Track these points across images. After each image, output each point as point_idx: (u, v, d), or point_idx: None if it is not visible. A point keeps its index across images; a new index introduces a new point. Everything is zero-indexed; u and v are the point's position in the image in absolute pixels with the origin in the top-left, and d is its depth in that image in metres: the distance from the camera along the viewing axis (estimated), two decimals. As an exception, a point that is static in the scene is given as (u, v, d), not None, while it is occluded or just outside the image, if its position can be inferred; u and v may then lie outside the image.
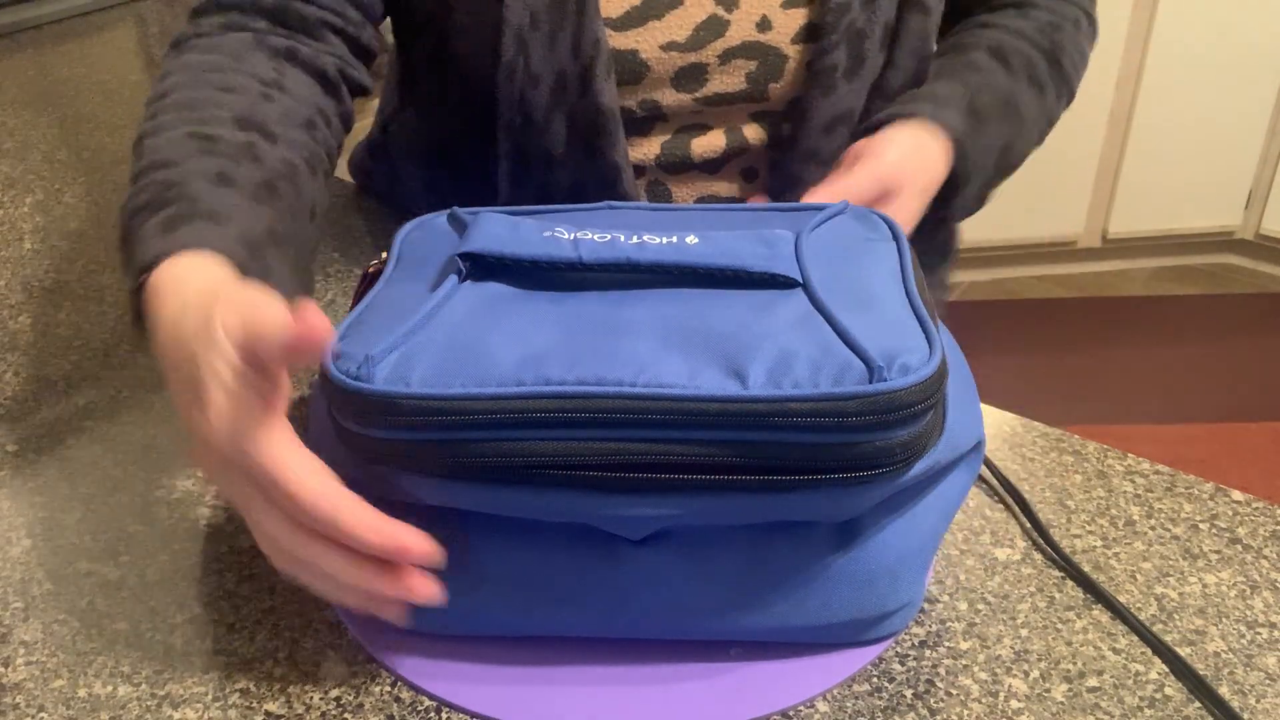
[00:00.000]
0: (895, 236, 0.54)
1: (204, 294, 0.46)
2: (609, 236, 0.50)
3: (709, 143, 0.75)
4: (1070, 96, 0.83)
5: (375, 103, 0.98)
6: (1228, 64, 2.40)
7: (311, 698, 0.49)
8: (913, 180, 0.68)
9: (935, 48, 0.80)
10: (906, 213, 0.69)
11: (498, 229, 0.51)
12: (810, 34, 0.72)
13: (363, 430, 0.44)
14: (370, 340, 0.46)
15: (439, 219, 0.58)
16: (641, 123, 0.74)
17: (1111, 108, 2.47)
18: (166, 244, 0.51)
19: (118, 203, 0.95)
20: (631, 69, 0.71)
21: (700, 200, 0.76)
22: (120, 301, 0.81)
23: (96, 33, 1.41)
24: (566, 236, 0.50)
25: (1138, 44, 2.40)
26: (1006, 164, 0.77)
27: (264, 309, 0.42)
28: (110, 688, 0.50)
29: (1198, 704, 0.49)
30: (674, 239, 0.50)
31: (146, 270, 0.50)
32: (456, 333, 0.46)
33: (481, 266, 0.51)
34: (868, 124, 0.74)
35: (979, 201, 0.78)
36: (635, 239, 0.50)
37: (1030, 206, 2.53)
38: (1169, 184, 2.55)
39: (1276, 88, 2.43)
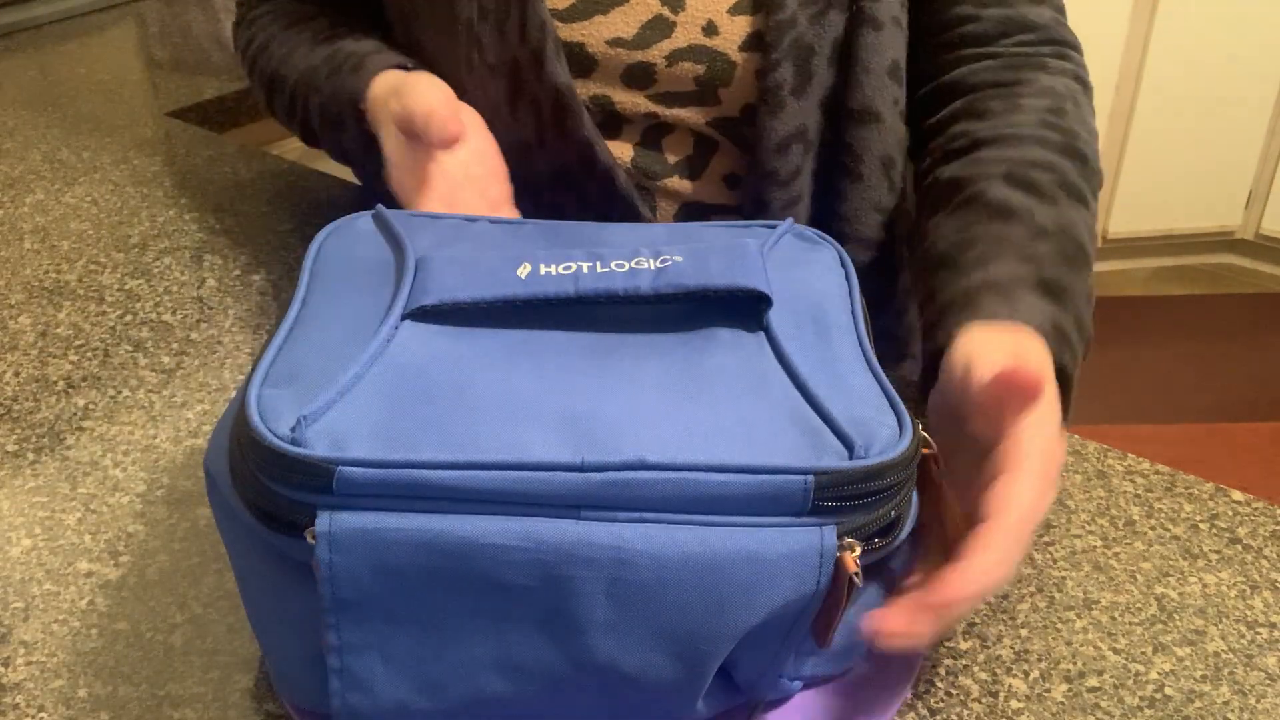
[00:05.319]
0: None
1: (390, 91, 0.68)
2: (571, 267, 0.47)
3: (678, 142, 0.74)
4: (1101, 182, 0.69)
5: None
6: (1228, 64, 2.41)
7: (311, 698, 0.49)
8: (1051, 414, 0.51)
9: (904, 67, 0.73)
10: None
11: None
12: (756, 44, 0.70)
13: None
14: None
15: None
16: (605, 126, 0.74)
17: (1111, 108, 2.47)
18: (363, 76, 0.71)
19: (117, 203, 0.95)
20: (579, 62, 0.71)
21: (682, 209, 0.76)
22: (120, 302, 0.81)
23: (96, 33, 1.41)
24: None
25: (1138, 44, 2.40)
26: (1091, 311, 0.61)
27: (415, 95, 0.63)
28: (110, 688, 0.50)
29: (1198, 704, 0.49)
30: (634, 263, 0.47)
31: (358, 102, 0.72)
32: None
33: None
34: (929, 321, 0.59)
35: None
36: (596, 266, 0.47)
37: (1030, 206, 2.53)
38: (1169, 184, 2.56)
39: (1276, 88, 2.43)
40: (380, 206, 0.54)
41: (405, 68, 0.72)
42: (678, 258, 0.48)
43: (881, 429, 0.42)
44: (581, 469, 0.38)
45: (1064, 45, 0.73)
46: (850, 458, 0.40)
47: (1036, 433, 0.47)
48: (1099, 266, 2.68)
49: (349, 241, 0.52)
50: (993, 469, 0.47)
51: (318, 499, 0.39)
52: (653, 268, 0.47)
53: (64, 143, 1.08)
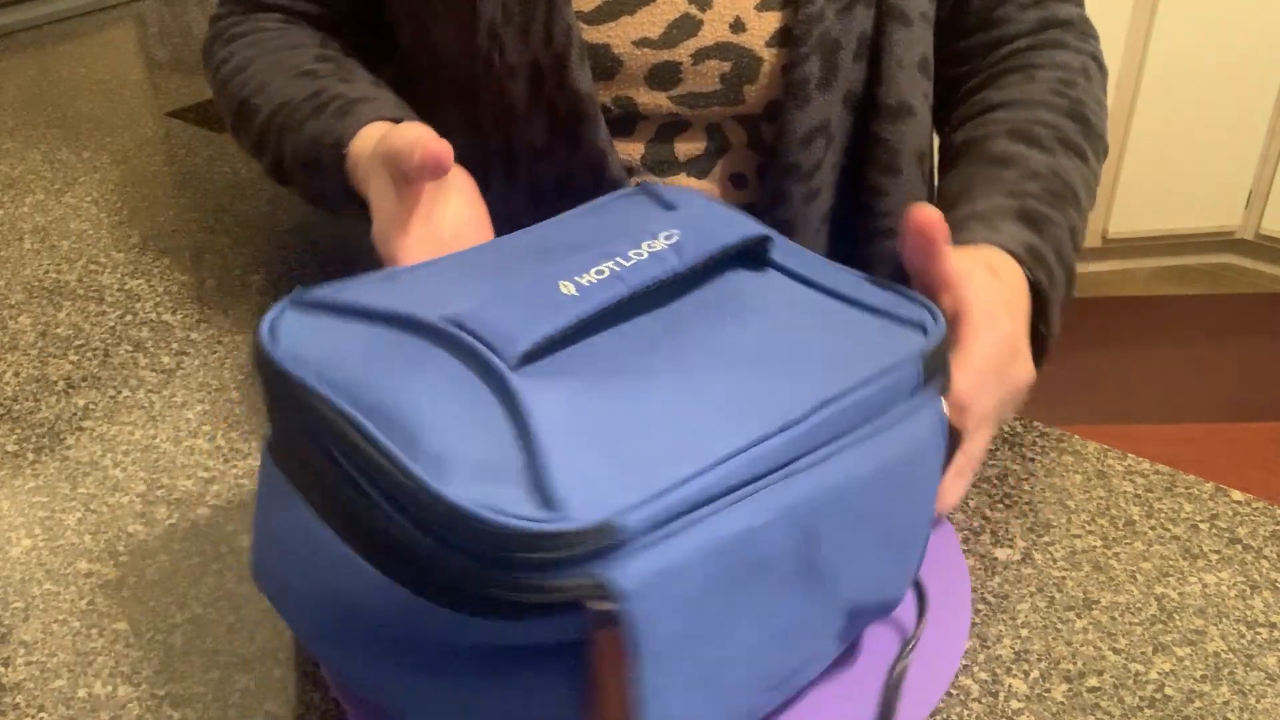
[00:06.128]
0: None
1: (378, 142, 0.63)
2: (604, 270, 0.47)
3: (691, 142, 0.75)
4: (1105, 152, 0.74)
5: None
6: (1228, 64, 2.41)
7: (312, 698, 0.49)
8: (1012, 309, 0.56)
9: (932, 62, 0.76)
10: (1024, 352, 0.57)
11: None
12: (784, 39, 0.71)
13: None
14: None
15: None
16: (621, 123, 0.74)
17: (1111, 108, 2.47)
18: (350, 122, 0.68)
19: (117, 203, 0.95)
20: (604, 64, 0.71)
21: None
22: (120, 302, 0.81)
23: (96, 33, 1.41)
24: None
25: (1138, 44, 2.40)
26: (1078, 250, 0.67)
27: (401, 132, 0.59)
28: (110, 688, 0.50)
29: (1198, 704, 0.49)
30: (648, 248, 0.49)
31: (341, 146, 0.68)
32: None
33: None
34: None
35: (1066, 306, 0.66)
36: (621, 261, 0.47)
37: (1030, 206, 2.53)
38: (1169, 184, 2.56)
39: (1276, 88, 2.43)
40: (298, 291, 0.49)
41: (397, 120, 0.69)
42: (675, 232, 0.50)
43: (918, 307, 0.48)
44: (783, 429, 0.41)
45: (1086, 35, 0.79)
46: (926, 334, 0.47)
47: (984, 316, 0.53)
48: (1099, 266, 2.68)
49: (320, 343, 0.45)
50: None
51: (589, 565, 0.37)
52: (666, 246, 0.49)
53: (64, 143, 1.08)
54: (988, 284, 0.55)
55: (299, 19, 0.82)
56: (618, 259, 0.48)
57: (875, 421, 0.44)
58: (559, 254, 0.52)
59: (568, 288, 0.46)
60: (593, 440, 0.40)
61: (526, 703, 0.41)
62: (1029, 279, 0.59)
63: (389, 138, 0.60)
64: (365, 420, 0.41)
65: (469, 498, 0.37)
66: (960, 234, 0.62)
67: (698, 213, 0.52)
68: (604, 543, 0.37)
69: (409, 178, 0.59)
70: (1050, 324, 0.62)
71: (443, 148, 0.57)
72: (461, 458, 0.39)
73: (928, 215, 0.52)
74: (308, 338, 0.45)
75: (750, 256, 0.51)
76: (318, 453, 0.42)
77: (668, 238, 0.49)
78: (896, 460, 0.44)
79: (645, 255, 0.48)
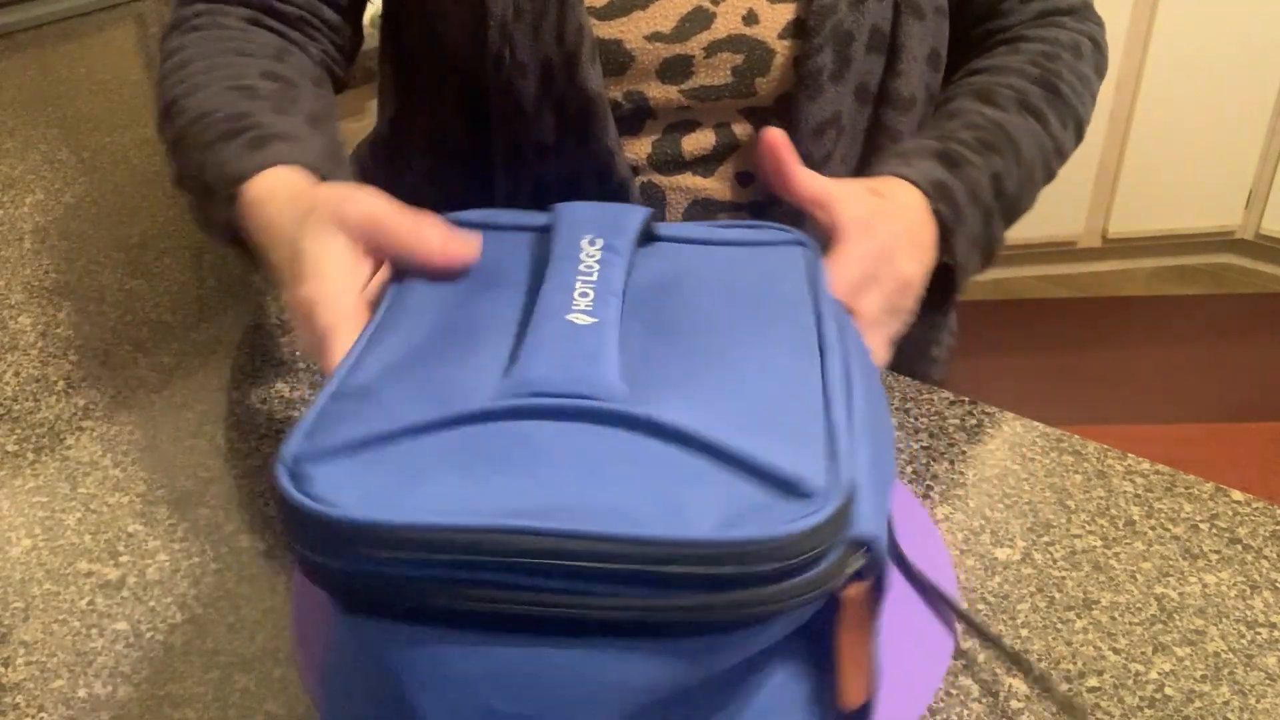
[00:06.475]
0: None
1: (300, 196, 0.56)
2: (588, 293, 0.45)
3: (699, 140, 0.75)
4: (1078, 125, 0.77)
5: (373, 103, 0.98)
6: (1228, 64, 2.41)
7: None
8: (890, 222, 0.59)
9: (944, 55, 0.78)
10: (911, 265, 0.60)
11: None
12: (797, 30, 0.72)
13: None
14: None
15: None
16: (630, 120, 0.74)
17: (1111, 108, 2.47)
18: (257, 159, 0.60)
19: (117, 203, 0.95)
20: (616, 59, 0.71)
21: (694, 204, 0.76)
22: (120, 302, 0.81)
23: (96, 33, 1.41)
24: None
25: (1138, 44, 2.40)
26: (1007, 197, 0.69)
27: (399, 213, 0.50)
28: (110, 688, 0.50)
29: (1198, 704, 0.49)
30: (590, 257, 0.48)
31: (238, 182, 0.60)
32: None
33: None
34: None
35: (988, 248, 0.69)
36: (588, 279, 0.46)
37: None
38: (1169, 184, 2.56)
39: (1276, 88, 2.43)
40: (292, 453, 0.39)
41: (316, 169, 0.61)
42: (595, 236, 0.50)
43: (780, 231, 0.53)
44: (824, 353, 0.44)
45: (1087, 19, 0.82)
46: (806, 246, 0.52)
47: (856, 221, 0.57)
48: (1099, 266, 2.68)
49: (384, 483, 0.38)
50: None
51: (830, 547, 0.36)
52: (603, 251, 0.49)
53: (64, 143, 1.08)
54: (862, 200, 0.59)
55: (269, 17, 0.77)
56: (581, 278, 0.46)
57: (838, 321, 0.47)
58: (509, 299, 0.48)
59: (580, 319, 0.44)
60: (748, 423, 0.39)
61: (775, 694, 0.39)
62: (933, 210, 0.64)
63: (379, 217, 0.51)
64: (553, 524, 0.35)
65: (740, 527, 0.35)
66: (878, 168, 0.66)
67: (582, 216, 0.50)
68: (841, 524, 0.36)
69: (383, 257, 0.52)
70: (955, 255, 0.65)
71: (474, 249, 0.50)
72: (683, 499, 0.36)
73: (773, 136, 0.57)
74: (364, 484, 0.37)
75: (646, 235, 0.53)
76: (465, 586, 0.36)
77: (592, 242, 0.48)
78: (859, 345, 0.47)
79: (598, 265, 0.47)
